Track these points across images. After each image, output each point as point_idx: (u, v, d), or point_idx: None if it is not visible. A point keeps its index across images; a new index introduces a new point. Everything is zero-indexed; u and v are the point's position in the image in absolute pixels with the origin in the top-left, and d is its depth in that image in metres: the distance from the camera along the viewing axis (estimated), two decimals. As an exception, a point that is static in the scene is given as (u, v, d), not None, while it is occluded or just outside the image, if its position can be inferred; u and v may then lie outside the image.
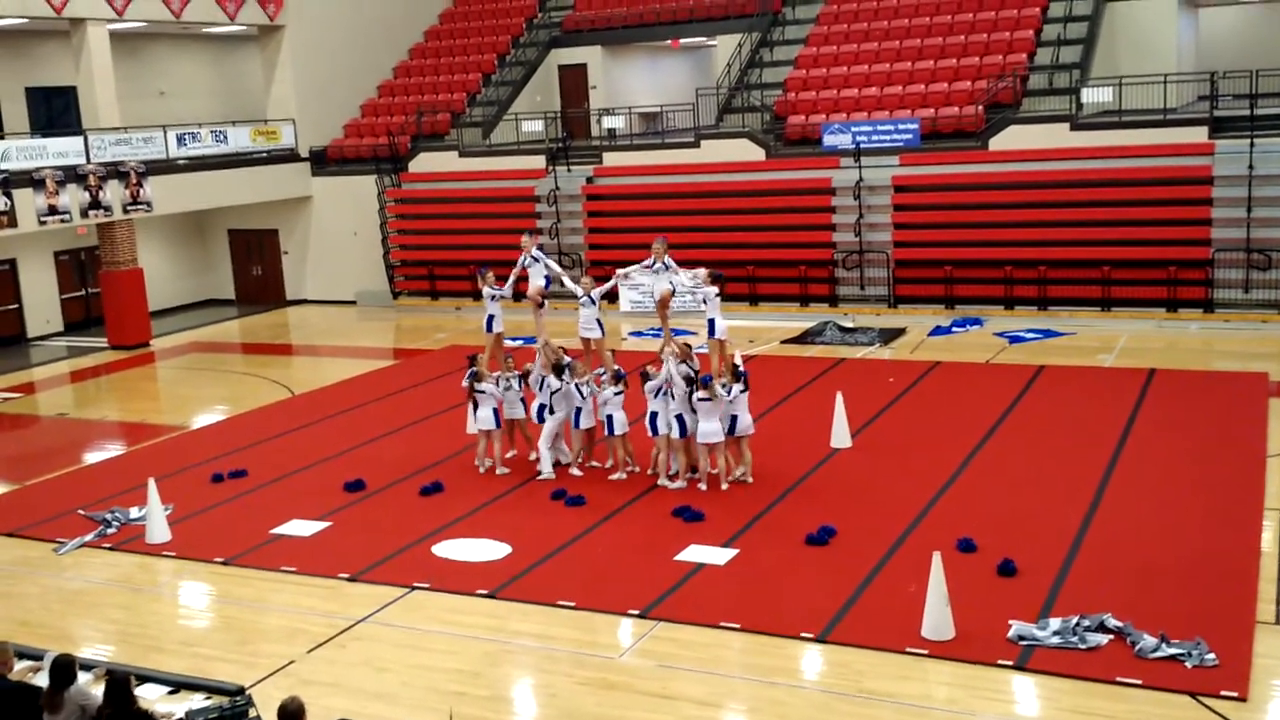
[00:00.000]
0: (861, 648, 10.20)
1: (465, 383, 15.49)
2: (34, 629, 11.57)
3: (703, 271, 16.47)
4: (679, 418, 14.19)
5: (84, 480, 16.59)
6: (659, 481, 14.51)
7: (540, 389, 15.21)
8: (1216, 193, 22.38)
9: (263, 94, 31.86)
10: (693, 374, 14.29)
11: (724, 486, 14.26)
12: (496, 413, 15.35)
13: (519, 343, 20.93)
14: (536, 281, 17.20)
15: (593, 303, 16.55)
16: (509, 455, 15.76)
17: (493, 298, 16.97)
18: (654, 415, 14.38)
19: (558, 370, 15.05)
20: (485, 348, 17.01)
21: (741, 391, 14.20)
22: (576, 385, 14.92)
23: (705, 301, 16.09)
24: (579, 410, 15.01)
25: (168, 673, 10.31)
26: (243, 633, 11.34)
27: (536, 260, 17.19)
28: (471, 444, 16.38)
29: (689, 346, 15.44)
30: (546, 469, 15.06)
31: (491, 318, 17.08)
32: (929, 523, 12.91)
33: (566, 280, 17.21)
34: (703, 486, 14.30)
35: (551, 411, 15.08)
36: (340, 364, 23.51)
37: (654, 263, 16.85)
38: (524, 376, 15.48)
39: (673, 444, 14.40)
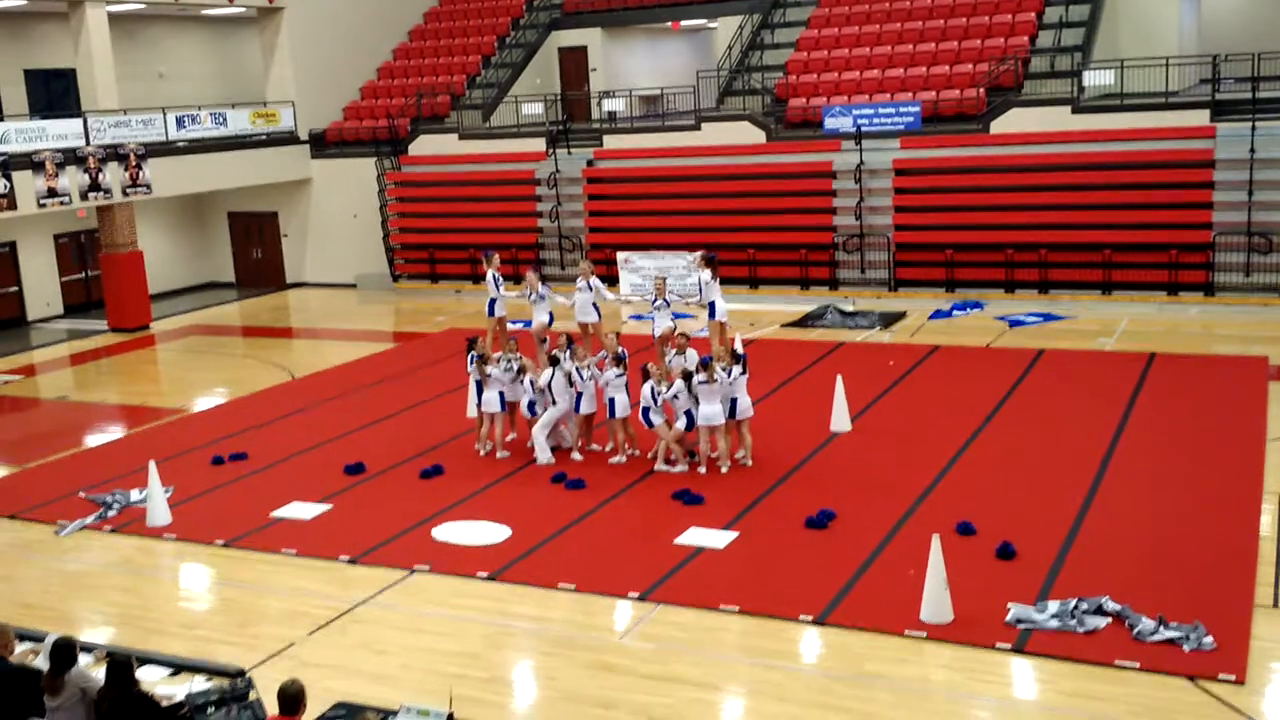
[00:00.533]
0: (860, 630, 10.23)
1: (471, 366, 15.47)
2: (35, 611, 11.60)
3: (698, 255, 16.51)
4: (687, 413, 14.22)
5: (85, 463, 16.61)
6: (656, 466, 14.52)
7: (529, 388, 15.18)
8: (1218, 176, 22.33)
9: (262, 76, 31.78)
10: (691, 370, 14.31)
11: (724, 469, 14.28)
12: (502, 395, 15.33)
13: (519, 325, 20.91)
14: (540, 318, 17.22)
15: (590, 288, 16.56)
16: (509, 438, 15.76)
17: (497, 283, 17.01)
18: (646, 410, 14.40)
19: (553, 361, 14.97)
20: (486, 331, 17.03)
21: (741, 374, 14.21)
22: (577, 369, 14.90)
23: (702, 285, 16.11)
24: (580, 395, 15.00)
25: (168, 655, 10.29)
26: (243, 615, 11.37)
27: (542, 298, 17.24)
28: (471, 427, 16.39)
29: (686, 336, 15.39)
30: (545, 457, 15.00)
31: (493, 301, 17.11)
32: (928, 506, 12.93)
33: (567, 303, 17.30)
34: (702, 470, 14.32)
35: (554, 402, 15.00)
36: (340, 347, 23.51)
37: (656, 300, 16.95)
38: (521, 371, 15.39)
39: (676, 433, 14.42)
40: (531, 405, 15.26)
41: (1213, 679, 9.11)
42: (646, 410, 14.41)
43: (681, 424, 14.33)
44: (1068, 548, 11.62)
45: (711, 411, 14.08)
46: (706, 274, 16.53)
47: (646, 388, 14.37)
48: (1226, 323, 21.00)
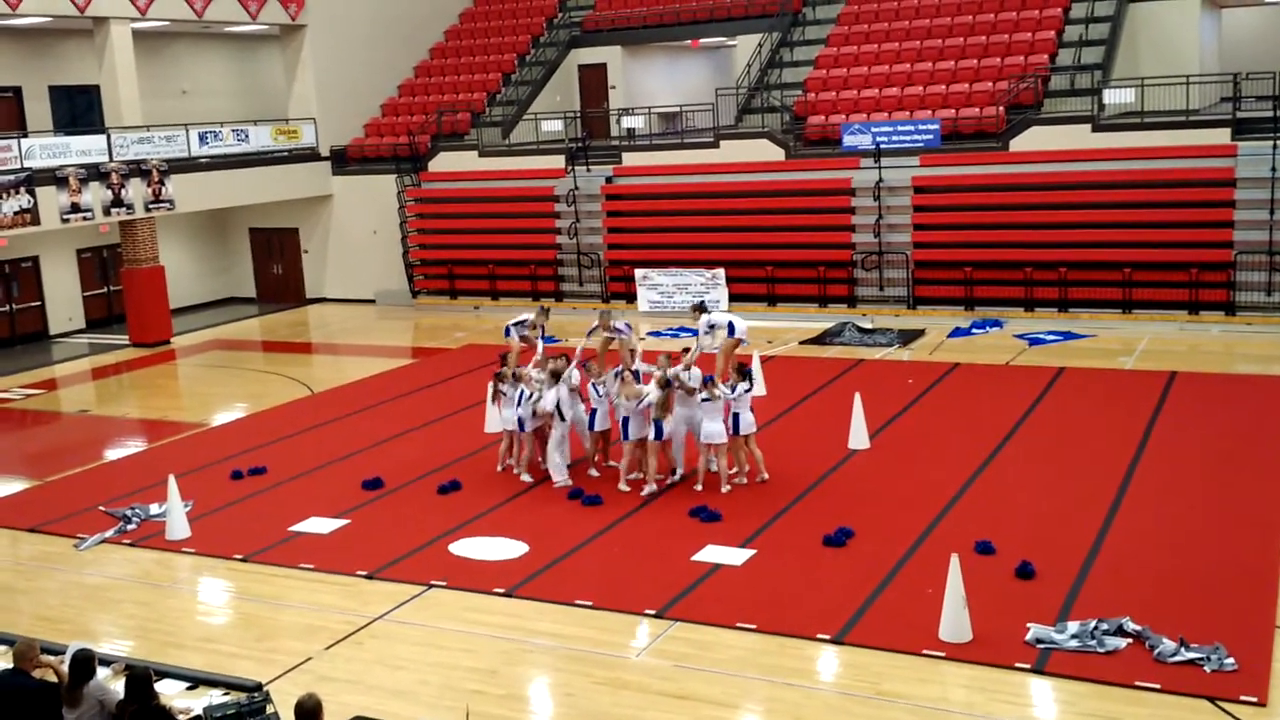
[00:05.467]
0: (878, 649, 10.18)
1: (492, 384, 15.43)
2: (54, 624, 11.65)
3: (689, 308, 16.47)
4: (656, 423, 14.19)
5: (105, 477, 16.69)
6: (619, 485, 14.47)
7: (522, 402, 14.99)
8: (1239, 194, 22.25)
9: (284, 93, 32.00)
10: (669, 379, 14.22)
11: (725, 489, 14.18)
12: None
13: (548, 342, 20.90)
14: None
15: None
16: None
17: (511, 331, 16.93)
18: (625, 420, 14.39)
19: (554, 376, 14.88)
20: (509, 346, 17.00)
21: (746, 390, 14.21)
22: (593, 385, 14.89)
23: (711, 327, 16.22)
24: (594, 411, 14.97)
25: (186, 668, 10.38)
26: (261, 629, 11.39)
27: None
28: (489, 443, 16.41)
29: (687, 351, 15.31)
30: (560, 477, 14.93)
31: (509, 328, 17.08)
32: (947, 524, 12.87)
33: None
34: (698, 487, 14.28)
35: (561, 419, 14.92)
36: (359, 362, 23.58)
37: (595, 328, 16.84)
38: (516, 378, 15.28)
39: (649, 448, 14.39)
40: (521, 422, 15.12)
41: (1234, 701, 9.03)
42: (626, 420, 14.38)
43: (650, 433, 14.28)
44: (1088, 568, 11.55)
45: (714, 429, 14.06)
46: (703, 321, 16.60)
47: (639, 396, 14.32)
48: (1248, 342, 20.89)
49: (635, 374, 14.80)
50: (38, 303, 28.37)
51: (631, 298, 25.95)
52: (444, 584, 12.09)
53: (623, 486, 14.49)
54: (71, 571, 13.18)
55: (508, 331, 17.40)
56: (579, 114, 30.91)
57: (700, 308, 17.21)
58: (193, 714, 8.48)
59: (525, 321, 17.34)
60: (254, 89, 33.57)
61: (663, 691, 9.74)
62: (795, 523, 13.20)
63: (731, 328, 16.45)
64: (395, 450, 16.96)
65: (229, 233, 33.12)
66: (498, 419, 15.97)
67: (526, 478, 15.22)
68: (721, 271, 25.23)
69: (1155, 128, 23.48)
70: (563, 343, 19.21)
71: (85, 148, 25.62)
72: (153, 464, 16.94)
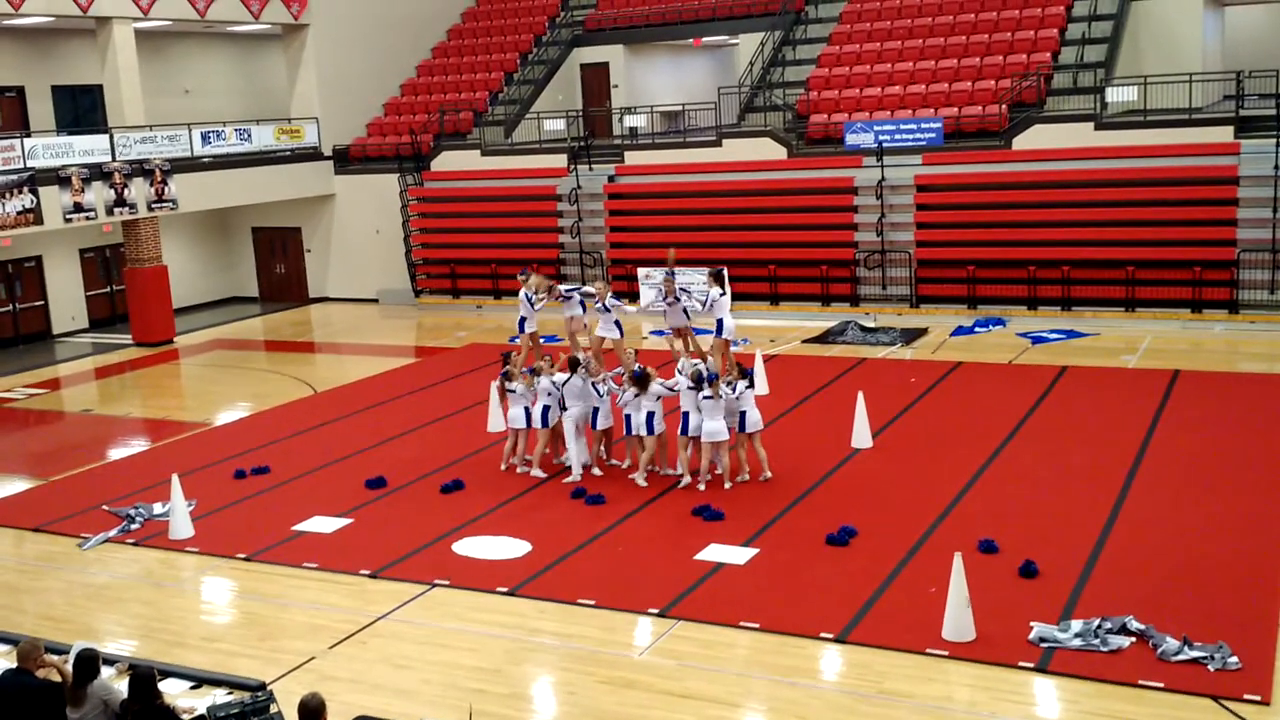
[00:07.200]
0: (882, 648, 10.18)
1: (497, 382, 15.41)
2: (58, 624, 11.66)
3: (706, 274, 16.43)
4: (685, 414, 14.26)
5: (108, 476, 16.70)
6: (638, 480, 14.57)
7: (549, 389, 15.05)
8: (1242, 192, 22.23)
9: (286, 92, 32.02)
10: (640, 375, 14.40)
11: (727, 485, 14.23)
12: (528, 412, 15.30)
13: (554, 341, 20.91)
14: (609, 333, 16.48)
15: (608, 309, 16.40)
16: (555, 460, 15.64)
17: (531, 303, 16.87)
18: (650, 415, 14.44)
19: (573, 365, 14.95)
20: (520, 347, 16.97)
21: (747, 389, 14.25)
22: (593, 384, 14.89)
23: (711, 305, 16.11)
24: (596, 410, 14.98)
25: (190, 668, 10.40)
26: (264, 629, 11.40)
27: (608, 310, 16.57)
28: (492, 442, 16.40)
29: (703, 356, 15.32)
30: (576, 467, 14.98)
31: (523, 319, 17.02)
32: (950, 523, 12.87)
33: (632, 311, 16.70)
34: (701, 487, 14.29)
35: (564, 407, 14.96)
36: (362, 362, 23.59)
37: (598, 302, 16.73)
38: (534, 372, 15.34)
39: (680, 442, 14.45)
40: (545, 414, 15.14)
41: (1238, 699, 9.03)
42: (629, 417, 14.53)
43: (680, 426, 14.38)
44: (1091, 566, 11.55)
45: (715, 427, 14.07)
46: (715, 290, 16.47)
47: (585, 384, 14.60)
48: (1251, 340, 20.87)
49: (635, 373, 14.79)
50: (41, 302, 28.39)
51: (634, 296, 25.94)
52: (447, 583, 12.10)
53: (641, 481, 14.52)
54: (75, 571, 13.20)
55: (521, 324, 17.32)
56: (581, 113, 30.91)
57: (717, 277, 16.99)
58: (196, 713, 8.49)
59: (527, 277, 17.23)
60: (256, 88, 33.59)
61: (666, 690, 9.75)
62: (798, 521, 13.21)
63: (720, 326, 16.36)
64: (398, 449, 16.97)
65: (232, 232, 33.14)
66: (501, 418, 15.96)
67: (538, 473, 15.25)
68: (724, 270, 25.17)
69: (1158, 126, 23.46)
70: (562, 341, 19.20)
71: (88, 147, 25.64)
72: (156, 463, 16.96)
